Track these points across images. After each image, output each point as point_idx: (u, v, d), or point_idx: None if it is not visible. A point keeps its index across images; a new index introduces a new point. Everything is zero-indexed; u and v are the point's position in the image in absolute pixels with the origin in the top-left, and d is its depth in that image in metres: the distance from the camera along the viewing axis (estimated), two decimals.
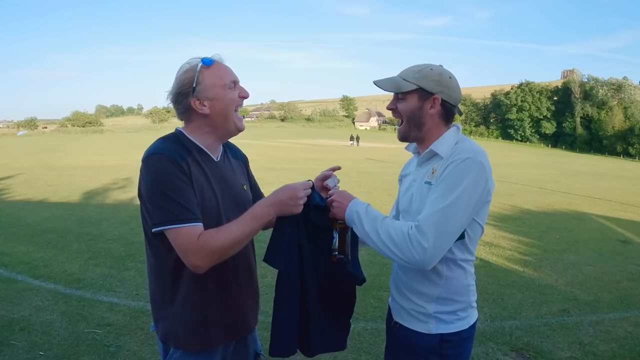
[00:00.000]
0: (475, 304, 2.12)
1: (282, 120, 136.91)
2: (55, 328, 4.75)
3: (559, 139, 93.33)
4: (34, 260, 7.05)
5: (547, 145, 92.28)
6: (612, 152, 79.64)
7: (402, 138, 2.15)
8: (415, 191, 2.06)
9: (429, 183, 1.97)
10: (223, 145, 2.16)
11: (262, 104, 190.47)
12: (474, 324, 2.09)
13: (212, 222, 1.88)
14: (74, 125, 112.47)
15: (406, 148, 2.32)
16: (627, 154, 77.23)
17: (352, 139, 55.71)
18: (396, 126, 2.24)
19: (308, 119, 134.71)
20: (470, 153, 1.89)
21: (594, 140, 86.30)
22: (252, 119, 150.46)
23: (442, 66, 2.09)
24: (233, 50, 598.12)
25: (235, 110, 2.01)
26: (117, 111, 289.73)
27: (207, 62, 1.93)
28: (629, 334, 5.15)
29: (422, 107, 2.03)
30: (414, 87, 2.01)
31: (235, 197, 2.07)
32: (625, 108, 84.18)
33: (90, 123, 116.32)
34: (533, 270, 7.43)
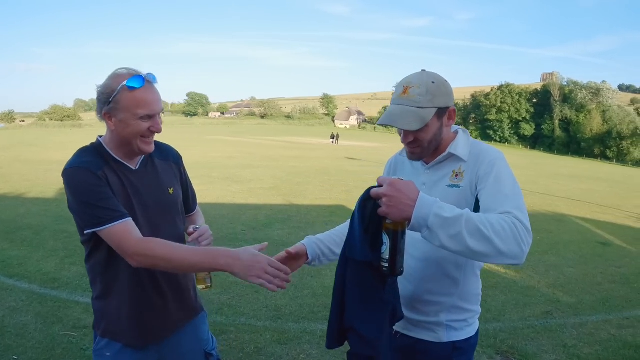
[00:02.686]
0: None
1: (262, 117, 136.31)
2: (30, 330, 4.61)
3: (538, 141, 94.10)
4: (8, 259, 6.86)
5: (526, 147, 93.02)
6: (590, 155, 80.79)
7: (420, 158, 2.04)
8: (436, 196, 1.79)
9: (456, 186, 1.94)
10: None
11: (242, 100, 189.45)
12: (478, 329, 2.11)
13: None
14: (52, 119, 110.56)
15: (402, 153, 2.24)
16: (604, 157, 78.47)
17: (332, 137, 55.70)
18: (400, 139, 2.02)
19: (288, 117, 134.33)
20: (499, 153, 1.95)
21: (572, 143, 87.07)
22: (232, 115, 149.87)
23: (430, 72, 1.98)
24: (214, 46, 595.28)
25: (144, 136, 1.99)
26: (95, 105, 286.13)
27: (131, 87, 1.89)
28: (613, 337, 5.17)
29: (441, 125, 1.96)
30: (434, 111, 1.88)
31: (157, 202, 2.11)
32: (603, 112, 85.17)
33: (69, 117, 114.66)
34: (515, 272, 7.41)
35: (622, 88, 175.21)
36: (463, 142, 2.02)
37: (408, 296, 2.02)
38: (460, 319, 2.01)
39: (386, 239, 1.60)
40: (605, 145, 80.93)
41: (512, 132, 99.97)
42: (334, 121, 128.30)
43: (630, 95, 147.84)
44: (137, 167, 2.09)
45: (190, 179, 2.43)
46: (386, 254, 1.60)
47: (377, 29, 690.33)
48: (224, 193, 13.42)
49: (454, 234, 1.52)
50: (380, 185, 1.59)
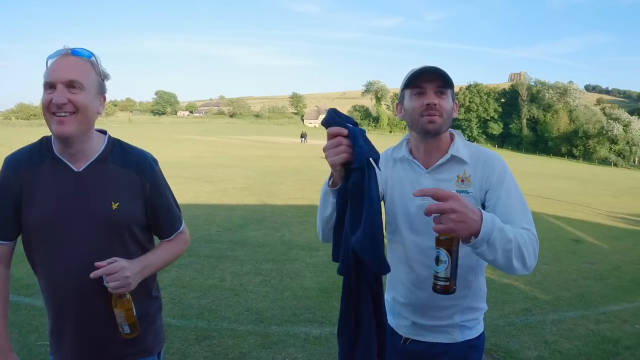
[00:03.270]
0: None
1: (231, 116, 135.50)
2: None
3: (506, 140, 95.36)
4: None
5: (494, 146, 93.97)
6: (557, 153, 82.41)
7: (437, 131, 1.89)
8: None
9: (465, 192, 1.88)
10: (112, 152, 1.87)
11: (210, 99, 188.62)
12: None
13: (46, 236, 1.77)
14: (18, 118, 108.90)
15: (393, 153, 2.08)
16: (571, 155, 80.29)
17: (302, 136, 55.65)
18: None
19: (257, 116, 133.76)
20: (503, 159, 1.96)
21: (540, 142, 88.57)
22: (201, 114, 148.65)
23: None
24: (183, 44, 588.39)
25: (54, 114, 1.67)
26: None
27: (49, 58, 1.72)
28: (591, 332, 5.24)
29: (452, 109, 1.95)
30: (452, 86, 1.93)
31: (90, 215, 1.77)
32: (570, 111, 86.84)
33: (35, 116, 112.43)
34: (492, 270, 7.41)
35: (588, 88, 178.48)
36: (462, 143, 1.98)
37: (421, 304, 1.98)
38: (472, 317, 2.02)
39: (445, 257, 1.47)
40: (571, 144, 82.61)
41: (481, 131, 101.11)
42: (303, 120, 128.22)
43: (597, 96, 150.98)
44: (80, 170, 1.79)
45: None
46: (445, 273, 1.47)
47: (347, 28, 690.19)
48: (197, 193, 13.30)
49: (508, 249, 1.52)
50: (437, 200, 1.42)
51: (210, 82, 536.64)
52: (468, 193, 1.87)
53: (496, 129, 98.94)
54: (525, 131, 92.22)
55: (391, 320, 2.11)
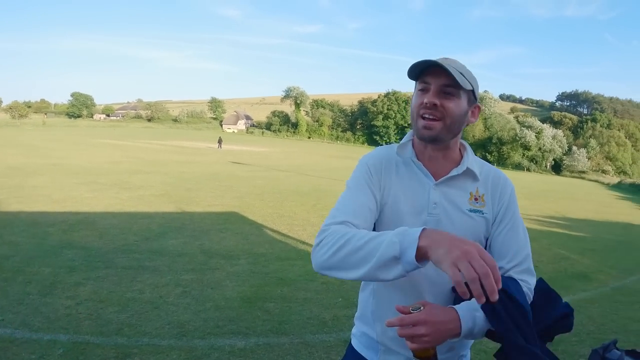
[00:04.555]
0: None
1: (149, 120, 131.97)
2: None
3: None
4: None
5: None
6: None
7: (433, 139, 1.68)
8: (455, 222, 1.70)
9: (479, 212, 1.73)
10: None
11: (128, 102, 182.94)
12: None
13: None
14: None
15: (398, 151, 1.80)
16: (486, 161, 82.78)
17: (220, 141, 55.08)
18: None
19: (175, 120, 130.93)
20: (507, 177, 1.85)
21: None
22: (118, 117, 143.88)
23: None
24: (101, 44, 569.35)
25: None
26: None
27: None
28: None
29: (466, 114, 1.72)
30: (470, 87, 1.66)
31: None
32: (485, 119, 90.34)
33: None
34: None
35: (503, 97, 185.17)
36: (473, 157, 1.82)
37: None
38: (468, 347, 1.87)
39: None
40: (486, 150, 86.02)
41: (398, 137, 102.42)
42: (221, 125, 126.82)
43: (511, 104, 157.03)
44: None
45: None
46: None
47: (268, 33, 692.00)
48: (114, 201, 12.85)
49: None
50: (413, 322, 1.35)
51: (128, 85, 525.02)
52: (483, 214, 1.72)
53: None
54: None
55: (374, 358, 1.85)
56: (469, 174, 1.75)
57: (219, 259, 7.90)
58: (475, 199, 1.73)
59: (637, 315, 6.99)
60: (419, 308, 1.39)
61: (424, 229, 1.32)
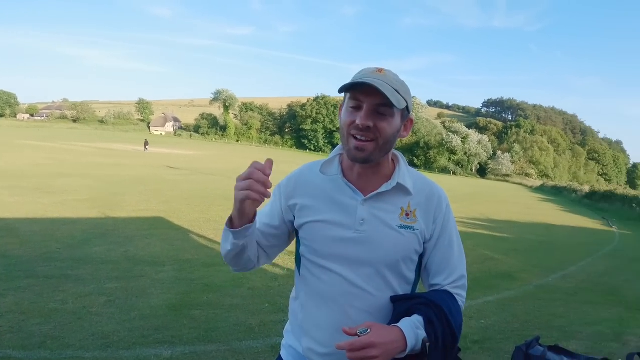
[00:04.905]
0: None
1: (75, 121, 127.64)
2: None
3: None
4: None
5: None
6: None
7: (365, 160, 1.62)
8: (384, 238, 1.67)
9: (410, 228, 1.69)
10: None
11: (53, 102, 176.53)
12: None
13: None
14: None
15: (323, 169, 1.76)
16: (413, 165, 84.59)
17: (146, 144, 54.11)
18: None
19: (102, 121, 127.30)
20: (442, 190, 1.83)
21: None
22: (42, 118, 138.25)
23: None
24: (25, 39, 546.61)
25: None
26: None
27: None
28: None
29: (399, 130, 1.67)
30: (405, 104, 1.61)
31: None
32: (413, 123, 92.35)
33: None
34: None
35: (430, 103, 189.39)
36: (406, 170, 1.76)
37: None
38: None
39: None
40: (414, 154, 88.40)
41: (327, 141, 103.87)
42: (149, 127, 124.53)
43: (438, 110, 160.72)
44: None
45: None
46: None
47: (199, 34, 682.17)
48: (36, 206, 12.33)
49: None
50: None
51: (53, 84, 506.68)
52: (414, 230, 1.69)
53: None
54: None
55: None
56: (401, 188, 1.70)
57: (144, 266, 7.68)
58: (407, 215, 1.70)
59: (559, 311, 7.29)
60: (367, 330, 1.41)
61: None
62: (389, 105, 1.55)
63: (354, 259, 1.66)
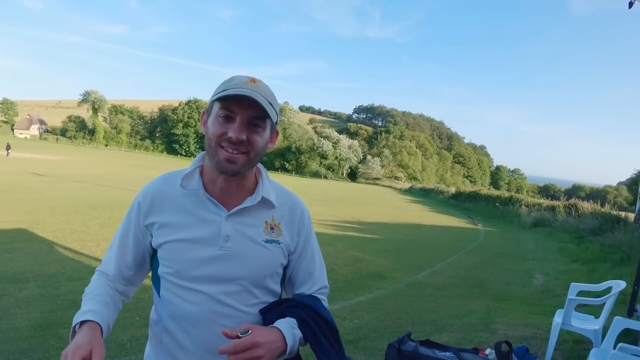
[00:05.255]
0: None
1: None
2: None
3: None
4: None
5: None
6: (271, 168, 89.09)
7: (236, 173, 1.57)
8: (251, 254, 1.63)
9: (276, 242, 1.66)
10: None
11: None
12: None
13: None
14: None
15: (183, 182, 1.65)
16: (284, 170, 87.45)
17: (8, 148, 50.94)
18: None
19: None
20: (302, 202, 1.83)
21: None
22: None
23: None
24: None
25: None
26: None
27: None
28: None
29: (268, 142, 1.63)
30: (276, 117, 1.60)
31: None
32: (284, 129, 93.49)
33: None
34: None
35: (302, 109, 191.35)
36: (268, 182, 1.73)
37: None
38: None
39: None
40: (285, 159, 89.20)
41: (198, 146, 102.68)
42: (13, 130, 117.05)
43: (310, 116, 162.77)
44: None
45: None
46: None
47: (69, 30, 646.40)
48: None
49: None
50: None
51: None
52: (279, 244, 1.67)
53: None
54: None
55: None
56: (265, 202, 1.67)
57: (5, 283, 7.04)
58: (271, 228, 1.67)
59: (429, 306, 7.65)
60: (248, 331, 1.41)
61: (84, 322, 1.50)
62: (263, 118, 1.54)
63: (220, 278, 1.59)
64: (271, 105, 1.54)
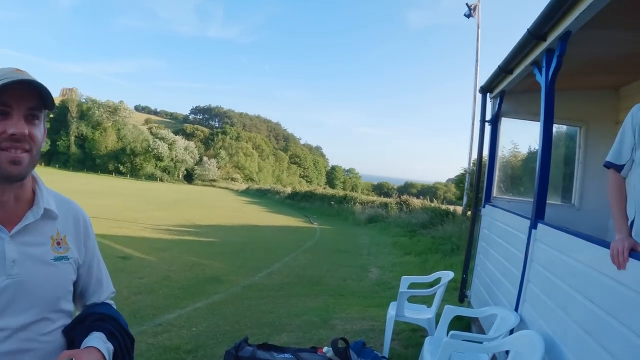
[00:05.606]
0: None
1: None
2: None
3: (53, 157, 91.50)
4: None
5: (41, 164, 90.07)
6: (105, 171, 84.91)
7: (23, 176, 1.38)
8: (41, 277, 1.44)
9: (65, 258, 1.52)
10: None
11: None
12: None
13: None
14: None
15: None
16: (118, 172, 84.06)
17: None
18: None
19: None
20: (83, 210, 1.73)
21: (88, 159, 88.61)
22: None
23: None
24: None
25: None
26: None
27: None
28: (152, 345, 5.40)
29: (42, 141, 1.45)
30: (52, 105, 1.43)
31: None
32: (119, 129, 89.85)
33: None
34: None
35: (138, 108, 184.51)
36: (45, 189, 1.55)
37: None
38: None
39: None
40: (119, 161, 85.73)
41: None
42: None
43: (145, 116, 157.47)
44: None
45: None
46: None
47: None
48: None
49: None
50: None
51: None
52: (68, 259, 1.53)
53: (44, 146, 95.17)
54: (74, 149, 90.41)
55: None
56: (48, 214, 1.50)
57: None
58: (58, 244, 1.51)
59: (267, 307, 7.66)
60: (71, 359, 1.35)
61: None
62: (40, 109, 1.40)
63: (13, 309, 1.37)
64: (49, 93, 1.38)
